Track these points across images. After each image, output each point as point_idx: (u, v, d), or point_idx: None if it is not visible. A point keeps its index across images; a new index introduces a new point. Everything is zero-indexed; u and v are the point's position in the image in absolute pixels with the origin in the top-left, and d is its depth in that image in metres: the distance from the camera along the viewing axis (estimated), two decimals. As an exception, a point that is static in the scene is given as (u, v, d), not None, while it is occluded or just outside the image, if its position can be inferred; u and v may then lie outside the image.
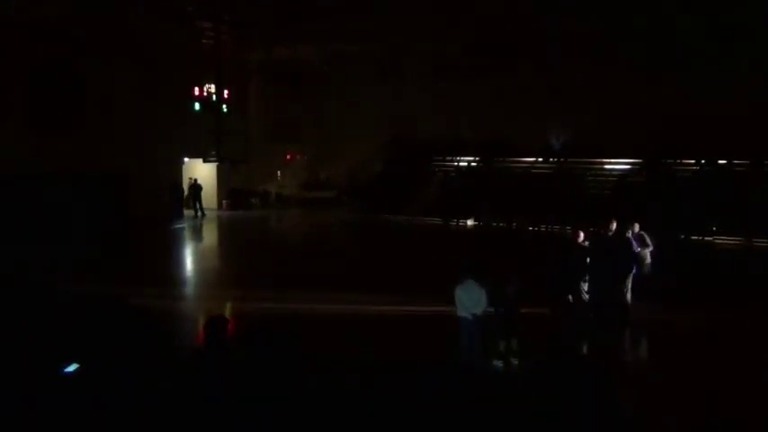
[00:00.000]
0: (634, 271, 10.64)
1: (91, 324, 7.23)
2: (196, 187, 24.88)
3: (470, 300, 8.21)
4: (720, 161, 21.96)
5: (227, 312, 11.79)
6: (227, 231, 23.51)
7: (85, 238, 17.99)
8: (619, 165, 24.04)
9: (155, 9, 21.80)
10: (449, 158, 27.26)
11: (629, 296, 10.37)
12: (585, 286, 10.07)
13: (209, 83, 25.16)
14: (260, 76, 29.11)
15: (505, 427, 5.93)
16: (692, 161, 22.62)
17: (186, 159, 25.57)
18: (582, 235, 10.21)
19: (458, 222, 23.15)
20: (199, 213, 24.48)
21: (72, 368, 6.09)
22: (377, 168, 27.92)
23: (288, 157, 31.21)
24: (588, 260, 9.99)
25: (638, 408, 6.81)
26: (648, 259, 11.78)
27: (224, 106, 25.61)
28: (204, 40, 25.30)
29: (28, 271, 13.20)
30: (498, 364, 8.49)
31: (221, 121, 25.67)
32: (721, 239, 19.01)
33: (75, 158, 19.20)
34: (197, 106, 24.93)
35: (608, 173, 24.11)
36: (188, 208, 24.83)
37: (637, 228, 11.69)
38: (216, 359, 6.18)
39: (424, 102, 26.02)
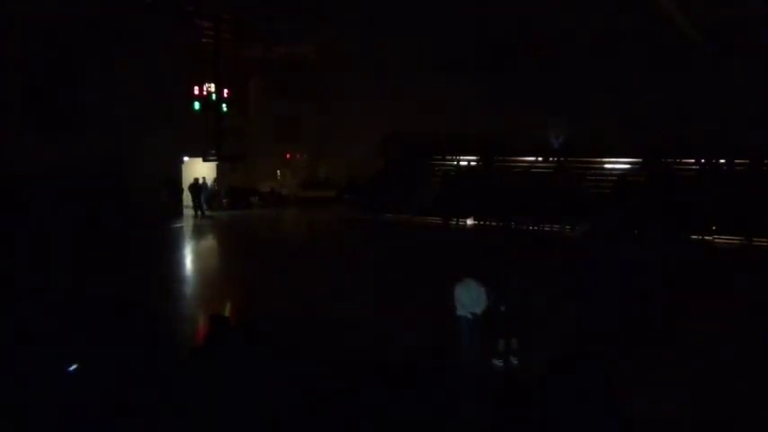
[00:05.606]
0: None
1: (90, 323, 7.22)
2: (197, 187, 24.84)
3: (470, 299, 8.20)
4: (720, 161, 21.96)
5: (226, 311, 11.81)
6: (226, 231, 23.47)
7: (83, 237, 18.00)
8: (618, 164, 24.05)
9: (154, 8, 21.77)
10: (449, 157, 27.24)
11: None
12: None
13: (209, 82, 25.12)
14: (260, 74, 29.08)
15: (506, 426, 5.92)
16: (692, 160, 22.62)
17: (186, 158, 25.56)
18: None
19: (458, 221, 23.14)
20: (199, 213, 24.48)
21: (73, 367, 6.10)
22: (377, 167, 27.90)
23: (287, 155, 31.18)
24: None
25: (639, 407, 6.80)
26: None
27: (223, 105, 25.58)
28: (204, 39, 25.28)
29: (27, 270, 13.21)
30: (498, 363, 8.48)
31: (221, 120, 25.65)
32: (721, 239, 19.01)
33: (74, 157, 19.19)
34: (197, 105, 24.90)
35: (608, 172, 24.11)
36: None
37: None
38: (216, 358, 6.18)
39: (425, 101, 25.98)
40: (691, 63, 21.53)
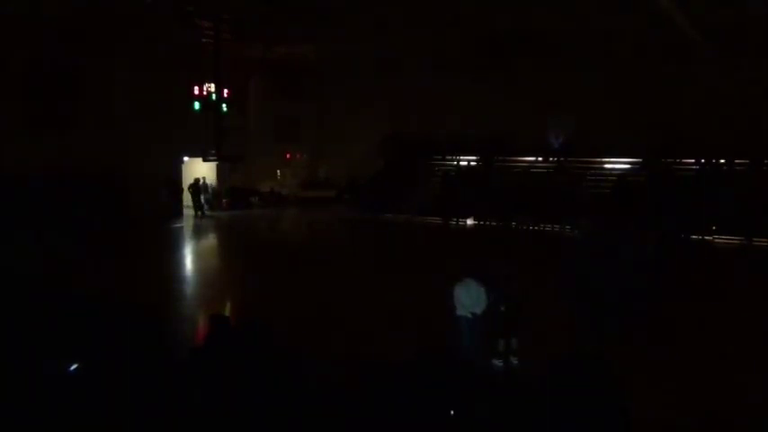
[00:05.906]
0: None
1: (90, 323, 7.22)
2: (197, 187, 24.85)
3: (470, 299, 8.19)
4: (720, 161, 21.95)
5: (226, 311, 11.81)
6: (226, 231, 23.48)
7: (83, 237, 17.99)
8: (618, 164, 24.05)
9: (154, 8, 21.78)
10: (449, 157, 27.24)
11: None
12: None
13: (209, 82, 25.13)
14: (260, 74, 29.08)
15: (506, 427, 5.90)
16: (692, 160, 22.62)
17: (186, 158, 25.56)
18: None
19: (458, 221, 23.13)
20: (199, 213, 24.48)
21: (73, 367, 6.09)
22: (377, 167, 27.90)
23: (287, 155, 31.18)
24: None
25: (642, 406, 6.80)
26: None
27: (223, 105, 25.59)
28: (204, 39, 25.29)
29: (26, 270, 13.19)
30: (498, 363, 8.47)
31: (221, 120, 25.66)
32: (721, 239, 19.01)
33: (74, 157, 19.18)
34: (197, 105, 24.91)
35: (608, 172, 24.11)
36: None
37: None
38: (216, 358, 6.17)
39: (425, 100, 25.99)
40: (691, 63, 21.51)
